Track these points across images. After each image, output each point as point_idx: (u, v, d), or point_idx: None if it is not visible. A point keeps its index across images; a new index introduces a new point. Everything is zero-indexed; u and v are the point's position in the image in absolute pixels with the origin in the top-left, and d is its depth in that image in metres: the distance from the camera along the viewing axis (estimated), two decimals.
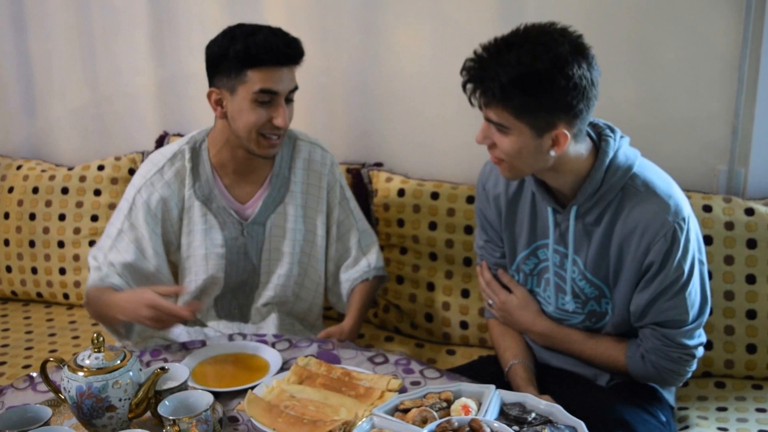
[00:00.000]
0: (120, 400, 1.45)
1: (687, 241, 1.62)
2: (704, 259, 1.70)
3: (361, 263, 2.14)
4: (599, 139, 1.67)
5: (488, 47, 1.55)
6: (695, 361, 1.70)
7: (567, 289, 1.76)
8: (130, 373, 1.47)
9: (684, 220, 1.61)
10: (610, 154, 1.64)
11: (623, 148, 1.67)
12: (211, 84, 1.96)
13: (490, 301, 1.91)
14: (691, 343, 1.67)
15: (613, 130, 1.68)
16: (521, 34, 1.54)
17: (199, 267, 2.06)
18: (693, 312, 1.66)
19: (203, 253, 2.05)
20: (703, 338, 1.70)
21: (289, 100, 1.95)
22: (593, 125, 1.70)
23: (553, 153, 1.59)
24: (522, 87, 1.50)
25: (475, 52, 1.56)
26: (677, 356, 1.67)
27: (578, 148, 1.63)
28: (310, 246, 2.11)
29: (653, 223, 1.60)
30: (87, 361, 1.46)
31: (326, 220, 2.12)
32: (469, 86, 1.57)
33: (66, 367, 1.48)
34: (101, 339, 1.49)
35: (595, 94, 1.57)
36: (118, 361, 1.47)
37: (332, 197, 2.12)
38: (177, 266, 2.09)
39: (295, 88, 1.95)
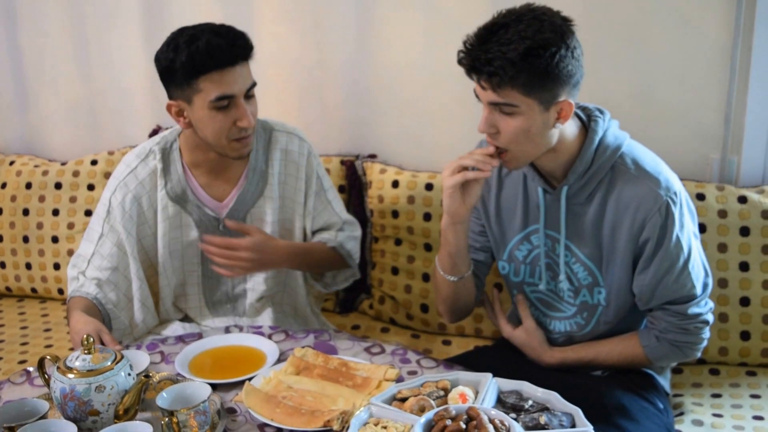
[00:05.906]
0: (103, 404, 1.43)
1: (681, 215, 1.64)
2: (698, 233, 1.73)
3: (330, 233, 2.10)
4: (589, 120, 1.69)
5: (480, 33, 1.54)
6: (708, 327, 1.72)
7: (560, 270, 1.76)
8: (116, 379, 1.45)
9: (676, 194, 1.63)
10: (600, 133, 1.66)
11: (612, 129, 1.68)
12: (168, 96, 1.90)
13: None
14: (703, 310, 1.70)
15: (602, 112, 1.70)
16: (509, 15, 1.54)
17: (175, 263, 2.04)
18: (700, 284, 1.69)
19: (179, 249, 2.03)
20: (711, 304, 1.73)
21: (249, 97, 1.88)
22: (583, 108, 1.71)
23: (558, 125, 1.60)
24: (530, 60, 1.49)
25: (466, 43, 1.55)
26: (692, 327, 1.69)
27: (571, 125, 1.65)
28: (289, 235, 2.09)
29: (646, 199, 1.62)
30: (76, 363, 1.46)
31: (303, 210, 2.09)
32: (475, 74, 1.56)
33: (56, 367, 1.47)
34: (91, 340, 1.48)
35: (584, 64, 1.58)
36: (108, 363, 1.46)
37: (308, 187, 2.08)
38: (155, 268, 2.06)
39: (253, 84, 1.87)
